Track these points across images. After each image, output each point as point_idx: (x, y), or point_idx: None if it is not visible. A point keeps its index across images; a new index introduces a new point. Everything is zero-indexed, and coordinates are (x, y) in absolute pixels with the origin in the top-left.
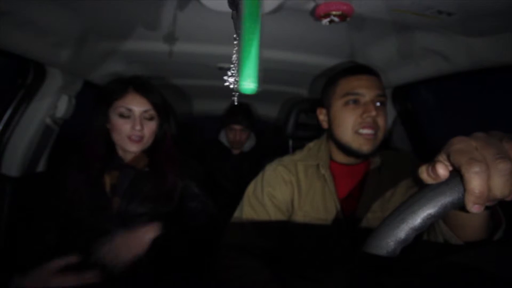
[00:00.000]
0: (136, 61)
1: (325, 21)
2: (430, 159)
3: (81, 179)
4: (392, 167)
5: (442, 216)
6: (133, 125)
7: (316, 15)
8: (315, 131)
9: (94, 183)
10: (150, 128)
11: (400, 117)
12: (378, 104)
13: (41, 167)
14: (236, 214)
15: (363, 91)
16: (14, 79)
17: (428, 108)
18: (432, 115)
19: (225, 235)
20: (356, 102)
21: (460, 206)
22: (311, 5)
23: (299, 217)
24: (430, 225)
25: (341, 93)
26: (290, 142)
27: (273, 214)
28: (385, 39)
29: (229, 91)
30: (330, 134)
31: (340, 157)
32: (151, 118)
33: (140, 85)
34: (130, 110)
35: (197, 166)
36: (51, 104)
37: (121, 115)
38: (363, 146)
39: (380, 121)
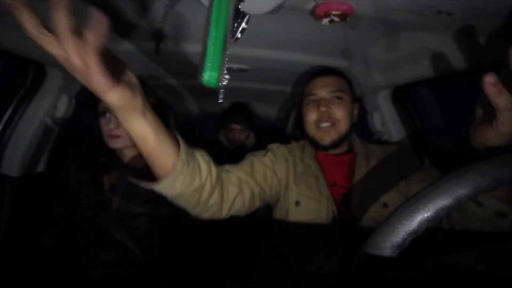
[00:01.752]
0: (135, 61)
1: (325, 21)
2: (430, 159)
3: (83, 178)
4: (380, 157)
5: (443, 214)
6: (109, 123)
7: (316, 15)
8: None
9: (95, 182)
10: None
11: (400, 117)
12: (335, 99)
13: (41, 167)
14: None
15: (316, 91)
16: (14, 79)
17: (428, 108)
18: (432, 115)
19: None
20: (313, 101)
21: (474, 197)
22: (311, 5)
23: (294, 193)
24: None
25: (304, 96)
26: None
27: (268, 173)
28: (385, 39)
29: (229, 91)
30: (304, 132)
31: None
32: None
33: None
34: (106, 108)
35: None
36: (51, 104)
37: (101, 114)
38: (323, 138)
39: (337, 113)
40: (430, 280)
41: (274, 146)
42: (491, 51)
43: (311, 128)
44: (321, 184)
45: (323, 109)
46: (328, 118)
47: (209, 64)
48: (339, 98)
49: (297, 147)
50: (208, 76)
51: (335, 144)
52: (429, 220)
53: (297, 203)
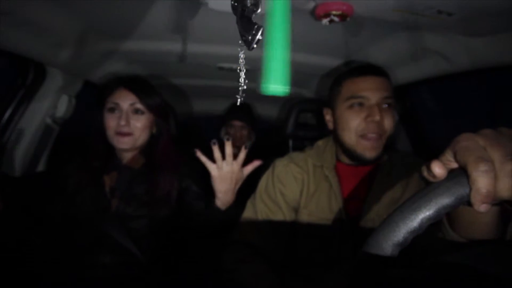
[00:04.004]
0: (136, 61)
1: (325, 21)
2: (430, 159)
3: (82, 180)
4: (402, 170)
5: (445, 213)
6: (119, 119)
7: (316, 15)
8: (315, 131)
9: (95, 184)
10: (138, 122)
11: (400, 117)
12: (385, 106)
13: (41, 167)
14: (249, 211)
15: (367, 94)
16: (14, 79)
17: (428, 108)
18: (432, 115)
19: (236, 232)
20: (360, 105)
21: (465, 203)
22: (311, 5)
23: (304, 215)
24: (435, 221)
25: (346, 95)
26: (290, 142)
27: (286, 212)
28: (385, 39)
29: (229, 91)
30: (335, 136)
31: (346, 158)
32: (138, 112)
33: (129, 81)
34: (117, 104)
35: (197, 166)
36: (51, 104)
37: (109, 110)
38: (367, 151)
39: (387, 124)
40: (430, 279)
41: (282, 170)
42: (491, 51)
43: (351, 137)
44: (335, 200)
45: (377, 118)
46: (378, 129)
47: (274, 74)
48: (390, 106)
49: (313, 153)
50: (275, 88)
51: (376, 159)
52: (430, 218)
53: (308, 225)
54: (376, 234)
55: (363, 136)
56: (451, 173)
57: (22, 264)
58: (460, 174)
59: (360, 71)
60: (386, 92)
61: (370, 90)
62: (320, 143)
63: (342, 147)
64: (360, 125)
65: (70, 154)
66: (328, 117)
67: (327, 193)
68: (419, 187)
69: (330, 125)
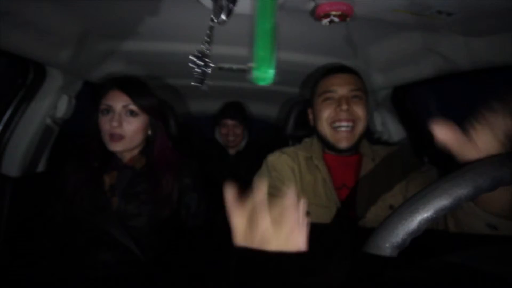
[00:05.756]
0: (136, 61)
1: (325, 21)
2: (430, 159)
3: (81, 179)
4: (385, 158)
5: (443, 214)
6: (111, 121)
7: (316, 15)
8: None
9: (94, 183)
10: (131, 124)
11: (400, 117)
12: (353, 98)
13: (41, 167)
14: None
15: (335, 88)
16: (14, 79)
17: (428, 108)
18: (432, 115)
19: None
20: (331, 98)
21: (474, 197)
22: (311, 5)
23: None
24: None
25: (319, 92)
26: (290, 142)
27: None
28: (385, 39)
29: (229, 91)
30: (315, 131)
31: (328, 149)
32: (132, 114)
33: (122, 82)
34: (109, 105)
35: (196, 167)
36: (51, 104)
37: (102, 112)
38: (340, 142)
39: (358, 111)
40: (430, 279)
41: (275, 159)
42: (491, 51)
43: (325, 127)
44: (328, 188)
45: (344, 107)
46: (349, 116)
47: (261, 61)
48: (359, 97)
49: (301, 147)
50: (263, 74)
51: (351, 149)
52: (428, 220)
53: (307, 213)
54: (374, 236)
55: (335, 126)
56: (448, 175)
57: (33, 268)
58: (458, 175)
59: (331, 71)
60: (353, 85)
61: (338, 85)
62: (306, 139)
63: (320, 139)
64: (331, 114)
65: (69, 154)
66: (310, 116)
67: (321, 181)
68: (402, 174)
69: (312, 122)
